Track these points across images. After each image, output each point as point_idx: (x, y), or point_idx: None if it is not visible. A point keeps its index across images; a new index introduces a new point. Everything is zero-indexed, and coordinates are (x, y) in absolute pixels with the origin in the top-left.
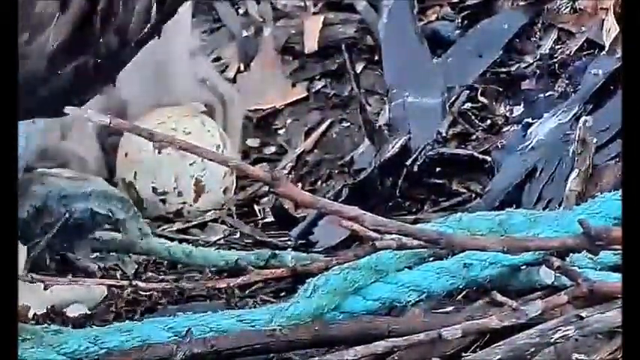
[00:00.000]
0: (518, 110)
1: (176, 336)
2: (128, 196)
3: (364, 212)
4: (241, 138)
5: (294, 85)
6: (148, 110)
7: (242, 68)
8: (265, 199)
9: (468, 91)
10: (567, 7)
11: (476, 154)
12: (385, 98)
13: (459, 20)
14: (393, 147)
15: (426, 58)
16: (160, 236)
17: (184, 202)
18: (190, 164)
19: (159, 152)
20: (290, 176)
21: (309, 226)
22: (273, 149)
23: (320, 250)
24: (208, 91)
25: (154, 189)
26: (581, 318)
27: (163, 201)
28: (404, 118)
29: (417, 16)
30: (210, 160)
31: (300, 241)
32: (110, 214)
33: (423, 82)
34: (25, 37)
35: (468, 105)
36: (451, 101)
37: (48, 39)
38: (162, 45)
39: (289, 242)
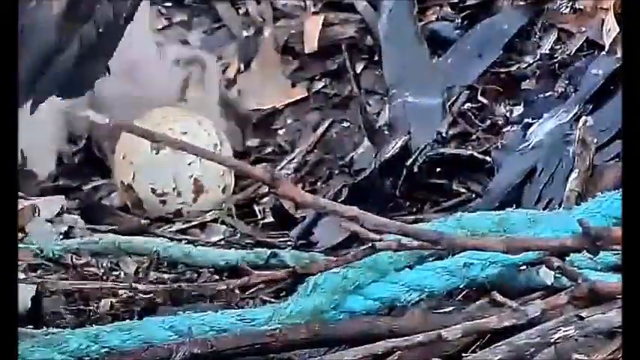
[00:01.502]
0: (518, 110)
1: (177, 335)
2: (128, 198)
3: (364, 212)
4: (223, 98)
5: (294, 85)
6: (141, 111)
7: (242, 68)
8: (265, 199)
9: (467, 91)
10: (567, 7)
11: (476, 154)
12: (385, 98)
13: (459, 20)
14: (393, 147)
15: (426, 58)
16: (160, 236)
17: (184, 202)
18: (189, 164)
19: (157, 153)
20: (290, 176)
21: (309, 226)
22: (273, 149)
23: (320, 250)
24: (184, 66)
25: (153, 190)
26: (582, 318)
27: (163, 202)
28: (404, 119)
29: (416, 16)
30: (210, 159)
31: (300, 242)
32: None
33: (423, 82)
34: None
35: (468, 105)
36: (451, 101)
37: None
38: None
39: (289, 243)
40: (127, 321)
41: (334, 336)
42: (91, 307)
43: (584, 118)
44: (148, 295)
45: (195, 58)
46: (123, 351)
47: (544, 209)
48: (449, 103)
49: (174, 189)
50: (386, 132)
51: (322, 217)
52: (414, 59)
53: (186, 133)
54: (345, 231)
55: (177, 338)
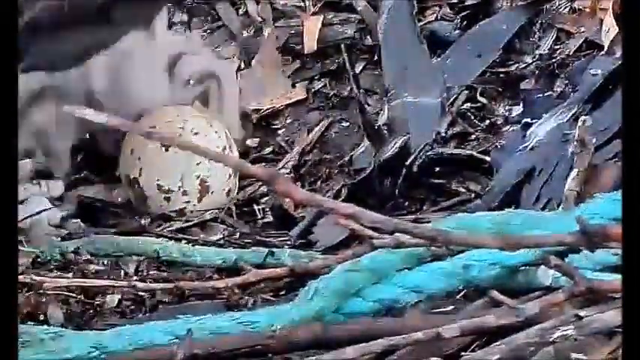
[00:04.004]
0: (518, 110)
1: (177, 339)
2: (132, 193)
3: (361, 209)
4: (240, 124)
5: (293, 85)
6: (154, 109)
7: (242, 68)
8: (265, 199)
9: (467, 91)
10: (566, 8)
11: (475, 154)
12: (385, 98)
13: (458, 20)
14: (392, 147)
15: (426, 58)
16: (160, 235)
17: (188, 202)
18: (197, 164)
19: (166, 150)
20: (290, 176)
21: (309, 226)
22: (272, 149)
23: (320, 250)
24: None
25: (159, 186)
26: (580, 318)
27: (167, 199)
28: (403, 119)
29: (416, 16)
30: (211, 158)
31: (299, 241)
32: None
33: (422, 82)
34: None
35: (468, 105)
36: (450, 101)
37: None
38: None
39: (289, 242)
40: (127, 326)
41: (334, 337)
42: (98, 302)
43: (582, 117)
44: (148, 294)
45: (209, 73)
46: (123, 355)
47: (543, 209)
48: (448, 103)
49: (179, 187)
50: (385, 132)
51: (322, 217)
52: (414, 59)
53: (197, 133)
54: (344, 230)
55: (177, 342)
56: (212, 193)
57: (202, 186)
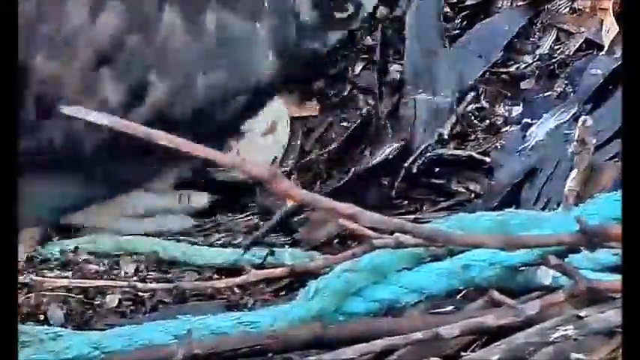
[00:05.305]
0: (518, 110)
1: (177, 338)
2: None
3: (361, 210)
4: None
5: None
6: None
7: None
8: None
9: (474, 93)
10: (566, 8)
11: (475, 154)
12: (384, 99)
13: (458, 20)
14: (392, 147)
15: (445, 59)
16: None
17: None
18: (283, 107)
19: None
20: (292, 176)
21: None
22: None
23: (305, 248)
24: None
25: None
26: (580, 318)
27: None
28: (408, 118)
29: (442, 14)
30: (203, 156)
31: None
32: None
33: (436, 82)
34: None
35: (472, 106)
36: (458, 102)
37: None
38: None
39: (288, 242)
40: (127, 327)
41: (334, 337)
42: (97, 302)
43: (583, 117)
44: (148, 294)
45: None
46: (123, 356)
47: (543, 209)
48: (455, 105)
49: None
50: (385, 132)
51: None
52: (436, 59)
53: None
54: (331, 229)
55: (177, 342)
56: (274, 136)
57: (272, 125)
